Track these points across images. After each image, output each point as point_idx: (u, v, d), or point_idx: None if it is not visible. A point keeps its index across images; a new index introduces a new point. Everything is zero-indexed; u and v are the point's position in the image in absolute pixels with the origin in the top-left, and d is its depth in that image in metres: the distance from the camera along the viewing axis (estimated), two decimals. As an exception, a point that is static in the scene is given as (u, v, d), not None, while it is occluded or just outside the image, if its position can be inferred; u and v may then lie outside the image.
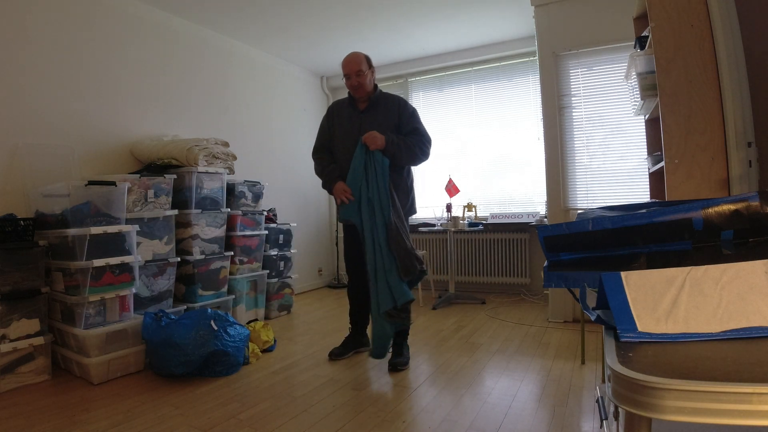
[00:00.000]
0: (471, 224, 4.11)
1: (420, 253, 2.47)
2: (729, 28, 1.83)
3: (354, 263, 2.61)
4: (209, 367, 2.36)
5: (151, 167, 3.03)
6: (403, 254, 2.30)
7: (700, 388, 0.47)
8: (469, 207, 4.44)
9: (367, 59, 2.49)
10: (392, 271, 2.30)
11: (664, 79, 1.95)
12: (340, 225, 2.64)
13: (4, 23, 2.63)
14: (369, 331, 2.83)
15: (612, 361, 0.56)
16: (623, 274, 0.69)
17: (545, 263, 1.07)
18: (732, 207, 0.96)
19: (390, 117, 2.48)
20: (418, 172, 5.04)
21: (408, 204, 2.54)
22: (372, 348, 2.42)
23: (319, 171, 2.60)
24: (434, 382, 2.24)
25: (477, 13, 3.81)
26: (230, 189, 3.47)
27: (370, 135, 2.35)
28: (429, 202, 4.94)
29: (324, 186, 2.58)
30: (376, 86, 2.56)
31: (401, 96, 2.67)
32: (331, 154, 2.60)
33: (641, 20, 2.44)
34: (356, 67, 2.42)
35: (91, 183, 2.41)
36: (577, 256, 1.06)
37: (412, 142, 2.44)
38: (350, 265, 2.65)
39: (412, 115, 2.52)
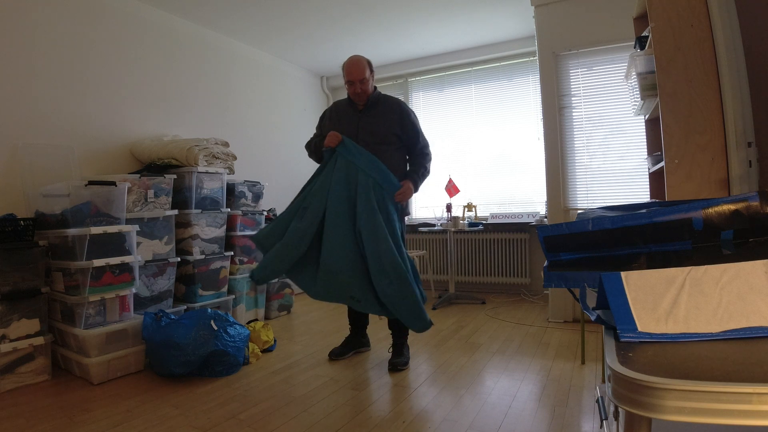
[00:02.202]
0: (471, 224, 4.11)
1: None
2: (729, 28, 1.83)
3: None
4: (209, 367, 2.36)
5: (151, 167, 3.03)
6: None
7: (700, 388, 0.47)
8: (469, 207, 4.44)
9: (369, 64, 2.47)
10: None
11: (664, 79, 1.95)
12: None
13: (5, 24, 2.63)
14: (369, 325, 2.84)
15: (612, 361, 0.56)
16: (623, 274, 0.69)
17: (545, 263, 1.07)
18: (732, 207, 0.95)
19: (389, 120, 2.45)
20: (418, 172, 5.05)
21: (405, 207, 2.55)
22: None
23: (310, 144, 2.62)
24: (434, 382, 2.24)
25: (477, 13, 3.81)
26: (230, 189, 3.47)
27: (404, 194, 2.38)
28: (429, 202, 4.94)
29: (313, 150, 2.58)
30: (374, 87, 2.56)
31: (400, 97, 2.67)
32: None
33: (641, 20, 2.44)
34: (361, 75, 2.39)
35: (91, 183, 2.41)
36: (577, 256, 1.06)
37: (423, 170, 2.48)
38: None
39: (414, 125, 2.50)
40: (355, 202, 2.34)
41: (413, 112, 2.56)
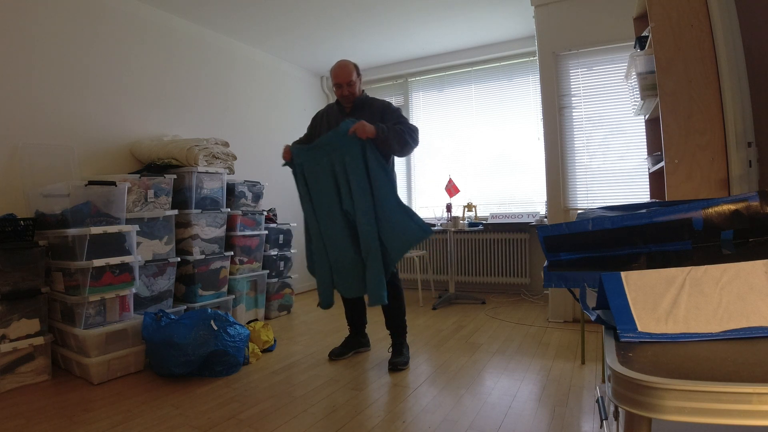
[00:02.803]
0: (471, 224, 4.11)
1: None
2: (729, 28, 1.83)
3: None
4: (209, 367, 2.36)
5: (151, 167, 3.03)
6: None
7: (700, 388, 0.47)
8: (469, 207, 4.44)
9: (356, 68, 2.51)
10: (376, 260, 2.29)
11: (664, 79, 1.95)
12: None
13: (5, 24, 2.63)
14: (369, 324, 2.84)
15: (612, 361, 0.56)
16: (623, 274, 0.69)
17: (545, 263, 1.07)
18: (732, 207, 0.96)
19: (373, 120, 2.43)
20: (419, 171, 5.06)
21: None
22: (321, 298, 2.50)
23: None
24: (434, 382, 2.24)
25: (477, 13, 3.81)
26: (230, 189, 3.47)
27: (360, 124, 2.28)
28: (429, 202, 4.94)
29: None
30: (362, 91, 2.60)
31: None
32: None
33: (641, 20, 2.44)
34: (347, 78, 2.44)
35: (91, 183, 2.40)
36: (577, 256, 1.06)
37: (401, 129, 2.38)
38: None
39: (395, 111, 2.49)
40: (339, 191, 2.37)
41: (399, 109, 2.54)
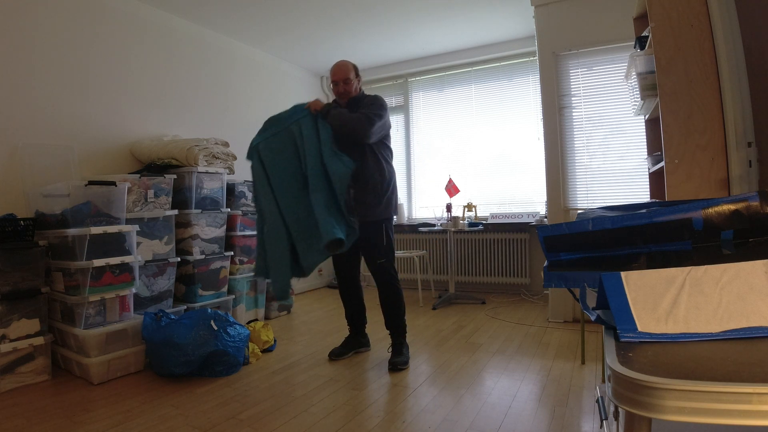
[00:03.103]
0: (471, 224, 4.11)
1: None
2: (729, 28, 1.83)
3: (342, 266, 2.65)
4: (209, 367, 2.36)
5: (151, 167, 3.03)
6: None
7: (700, 388, 0.47)
8: (469, 207, 4.44)
9: (355, 68, 2.56)
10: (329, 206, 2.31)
11: (664, 79, 1.95)
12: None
13: (5, 24, 2.63)
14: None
15: (612, 361, 0.56)
16: (623, 274, 0.69)
17: (545, 263, 1.07)
18: (732, 207, 0.96)
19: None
20: (419, 171, 5.06)
21: (382, 205, 2.49)
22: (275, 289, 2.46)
23: None
24: (434, 382, 2.24)
25: (477, 13, 3.81)
26: (230, 189, 3.47)
27: (314, 101, 2.48)
28: (429, 202, 4.94)
29: None
30: (361, 89, 2.62)
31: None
32: None
33: (641, 20, 2.44)
34: (344, 75, 2.49)
35: (91, 183, 2.41)
36: (577, 256, 1.06)
37: (349, 116, 2.41)
38: (338, 268, 2.67)
39: (374, 105, 2.48)
40: (299, 158, 2.45)
41: (385, 105, 2.51)
